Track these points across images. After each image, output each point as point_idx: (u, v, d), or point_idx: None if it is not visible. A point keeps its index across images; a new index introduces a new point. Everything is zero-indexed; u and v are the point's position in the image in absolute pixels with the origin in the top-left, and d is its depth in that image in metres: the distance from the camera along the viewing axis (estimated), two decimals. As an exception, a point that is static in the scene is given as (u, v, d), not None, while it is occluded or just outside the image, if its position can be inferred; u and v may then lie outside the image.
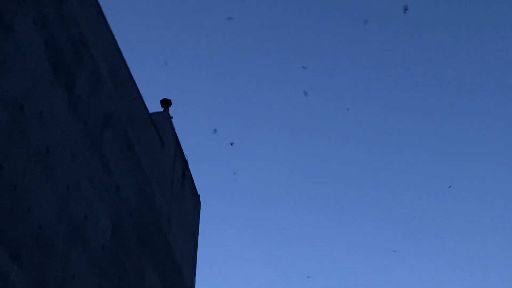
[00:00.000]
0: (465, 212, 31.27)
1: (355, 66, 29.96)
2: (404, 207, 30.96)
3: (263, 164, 30.19)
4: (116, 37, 9.68)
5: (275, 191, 31.13)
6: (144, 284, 9.85)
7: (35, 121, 7.06)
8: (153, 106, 11.71)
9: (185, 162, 12.58)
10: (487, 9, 28.82)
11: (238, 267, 31.28)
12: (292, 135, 30.53)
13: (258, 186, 30.64)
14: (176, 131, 12.21)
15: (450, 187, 28.22)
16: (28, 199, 6.77)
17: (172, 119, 12.05)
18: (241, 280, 31.46)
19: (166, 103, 11.95)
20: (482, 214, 31.02)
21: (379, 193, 30.77)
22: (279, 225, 31.08)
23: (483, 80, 29.93)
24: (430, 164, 30.11)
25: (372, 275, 30.91)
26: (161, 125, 11.58)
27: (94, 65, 8.74)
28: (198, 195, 13.40)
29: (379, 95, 30.72)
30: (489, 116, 30.17)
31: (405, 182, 30.95)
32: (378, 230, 30.91)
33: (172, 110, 12.04)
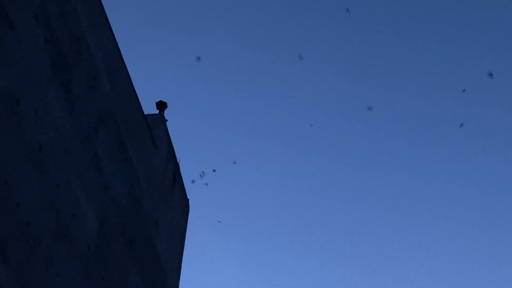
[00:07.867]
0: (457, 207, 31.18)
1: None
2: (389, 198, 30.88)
3: (251, 175, 30.20)
4: (116, 37, 9.66)
5: (258, 202, 31.16)
6: (127, 287, 9.80)
7: (30, 116, 7.02)
8: (149, 108, 11.70)
9: (176, 166, 12.55)
10: None
11: (217, 273, 31.33)
12: (287, 146, 30.50)
13: (244, 195, 30.64)
14: (170, 134, 12.19)
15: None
16: (17, 194, 6.73)
17: (167, 122, 12.03)
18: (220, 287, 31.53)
19: (161, 105, 11.94)
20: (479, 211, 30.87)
21: (363, 185, 30.69)
22: (258, 234, 31.13)
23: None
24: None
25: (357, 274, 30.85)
26: (155, 127, 11.55)
27: (92, 63, 8.71)
28: (188, 200, 13.37)
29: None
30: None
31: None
32: (365, 225, 30.81)
33: (167, 113, 12.03)
